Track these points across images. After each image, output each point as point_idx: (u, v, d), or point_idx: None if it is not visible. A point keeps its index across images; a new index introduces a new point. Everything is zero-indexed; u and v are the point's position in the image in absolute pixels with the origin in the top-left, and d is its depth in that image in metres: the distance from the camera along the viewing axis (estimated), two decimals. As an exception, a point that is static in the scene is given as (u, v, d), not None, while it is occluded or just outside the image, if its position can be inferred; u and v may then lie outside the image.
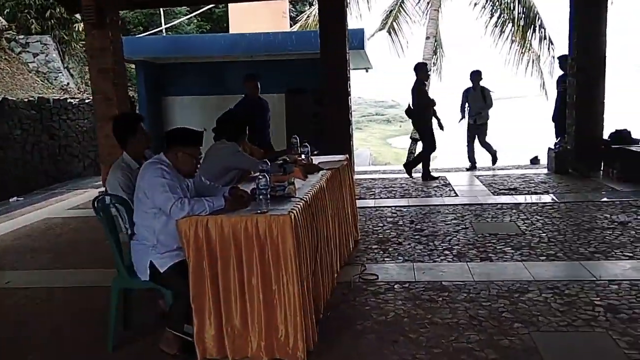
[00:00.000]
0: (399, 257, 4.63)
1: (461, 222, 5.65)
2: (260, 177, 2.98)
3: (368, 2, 14.43)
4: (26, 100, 9.77)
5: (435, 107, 8.33)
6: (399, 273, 4.27)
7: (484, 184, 7.69)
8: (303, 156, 4.46)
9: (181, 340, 3.03)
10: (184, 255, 2.95)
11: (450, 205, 6.47)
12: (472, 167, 9.22)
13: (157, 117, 11.96)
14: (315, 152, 5.20)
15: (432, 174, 8.26)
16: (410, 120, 9.00)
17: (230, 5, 13.81)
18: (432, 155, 8.46)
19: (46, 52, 13.23)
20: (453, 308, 3.51)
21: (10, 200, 8.68)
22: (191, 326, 2.96)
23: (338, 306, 3.66)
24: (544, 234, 5.06)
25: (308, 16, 14.46)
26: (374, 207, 6.63)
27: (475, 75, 9.18)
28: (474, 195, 6.96)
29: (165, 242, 3.04)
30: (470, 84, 9.30)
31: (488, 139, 9.41)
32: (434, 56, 14.86)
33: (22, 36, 12.99)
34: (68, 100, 10.89)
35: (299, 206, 3.08)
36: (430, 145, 8.28)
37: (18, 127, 9.40)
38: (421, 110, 8.20)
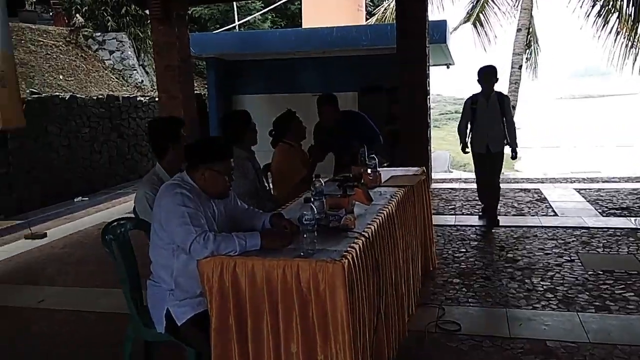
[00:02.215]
0: (488, 299, 3.72)
1: (564, 252, 4.62)
2: (305, 207, 2.23)
3: (452, -8, 13.30)
4: (95, 98, 9.66)
5: None
6: (489, 322, 3.38)
7: (587, 201, 6.51)
8: (369, 170, 3.65)
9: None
10: (207, 305, 2.28)
11: (548, 227, 5.40)
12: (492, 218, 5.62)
13: (227, 116, 11.59)
14: (386, 164, 4.40)
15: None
16: None
17: (304, 0, 13.21)
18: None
19: (122, 49, 13.29)
20: (565, 386, 2.60)
21: (75, 200, 8.56)
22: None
23: (407, 369, 2.86)
24: (678, 275, 3.96)
25: (385, 9, 13.56)
26: (454, 225, 5.70)
27: (487, 75, 5.38)
28: (578, 216, 5.82)
29: (185, 286, 2.38)
30: (473, 90, 5.71)
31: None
32: (527, 50, 13.44)
33: (99, 33, 13.10)
34: (138, 99, 10.74)
35: (357, 246, 2.31)
36: None
37: (87, 125, 9.30)
38: None
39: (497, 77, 5.42)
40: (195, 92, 12.37)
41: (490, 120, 5.38)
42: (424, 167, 4.44)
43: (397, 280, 3.00)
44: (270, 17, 16.89)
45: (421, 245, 3.97)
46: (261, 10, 16.13)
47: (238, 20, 14.79)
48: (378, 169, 3.74)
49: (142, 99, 10.82)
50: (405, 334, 3.13)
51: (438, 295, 3.82)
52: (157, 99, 11.02)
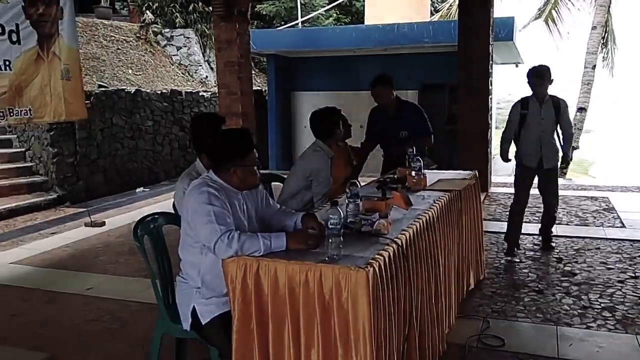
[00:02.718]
0: (538, 314, 3.48)
1: (628, 268, 4.26)
2: (332, 210, 2.14)
3: (523, -13, 12.72)
4: (159, 92, 9.98)
5: None
6: (536, 340, 3.15)
7: (661, 213, 6.00)
8: (414, 173, 3.49)
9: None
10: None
11: (613, 240, 5.02)
12: (511, 251, 4.78)
13: (286, 113, 11.67)
14: (434, 167, 4.22)
15: None
16: None
17: (368, -4, 13.05)
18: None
19: (188, 45, 13.66)
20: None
21: (137, 190, 8.88)
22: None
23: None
24: None
25: (451, 5, 13.15)
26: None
27: (538, 76, 4.48)
28: (648, 229, 5.38)
29: (212, 284, 2.36)
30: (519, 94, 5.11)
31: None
32: (604, 49, 12.62)
33: (167, 30, 13.53)
34: (200, 94, 11.00)
35: (386, 253, 2.20)
36: None
37: (150, 118, 9.63)
38: None
39: (552, 78, 4.53)
40: (257, 88, 12.56)
41: (543, 129, 4.51)
42: (477, 171, 4.22)
43: (435, 291, 2.84)
44: (334, 13, 16.82)
45: (469, 254, 3.78)
46: (325, 7, 16.09)
47: (301, 17, 14.82)
48: (424, 171, 3.58)
49: (204, 94, 11.07)
50: (443, 347, 2.97)
51: (484, 307, 3.62)
52: (217, 94, 11.31)
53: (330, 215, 2.12)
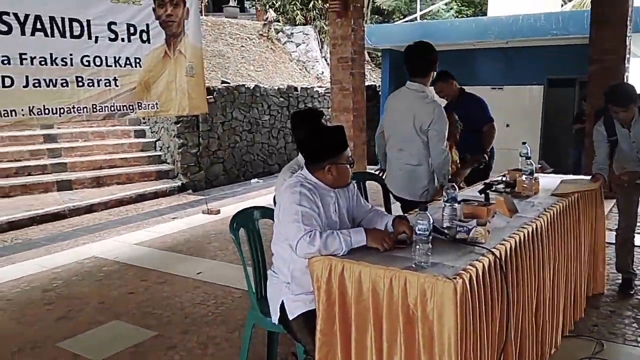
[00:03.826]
0: (664, 342, 3.07)
1: None
2: (421, 215, 2.04)
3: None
4: (276, 87, 10.34)
5: None
6: (658, 372, 2.79)
7: None
8: (524, 177, 3.24)
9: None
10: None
11: None
12: (627, 284, 3.87)
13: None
14: (550, 170, 3.89)
15: None
16: None
17: (492, -14, 12.39)
18: None
19: (307, 41, 13.99)
20: None
21: (252, 181, 9.31)
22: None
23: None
24: None
25: (586, -7, 12.04)
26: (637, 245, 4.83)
27: (625, 98, 3.46)
28: None
29: (300, 281, 2.37)
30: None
31: None
32: None
33: (288, 27, 13.97)
34: (315, 89, 11.21)
35: (480, 264, 2.05)
36: None
37: (267, 113, 10.01)
38: None
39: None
40: (372, 83, 12.52)
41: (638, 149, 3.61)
42: (604, 176, 3.77)
43: (538, 307, 2.61)
44: (455, 6, 16.23)
45: (586, 267, 3.44)
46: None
47: (420, 10, 14.48)
48: (536, 175, 3.31)
49: (318, 89, 11.27)
50: (546, 366, 2.73)
51: (599, 328, 3.27)
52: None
53: (419, 220, 2.02)
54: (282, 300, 2.42)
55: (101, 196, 7.50)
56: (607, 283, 3.89)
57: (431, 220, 2.03)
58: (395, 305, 1.99)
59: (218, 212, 6.77)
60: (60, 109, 4.74)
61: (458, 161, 3.87)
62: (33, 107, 4.53)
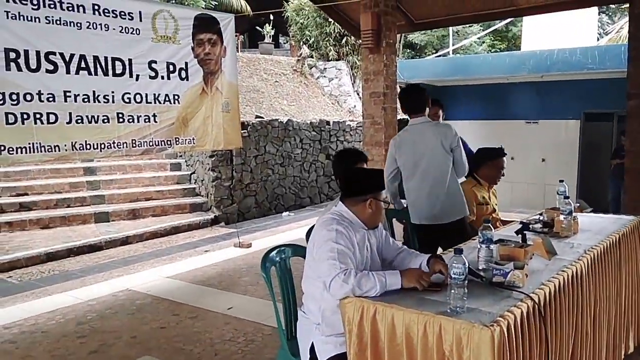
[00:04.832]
0: None
1: None
2: (456, 258, 2.00)
3: None
4: (308, 122, 10.46)
5: None
6: None
7: None
8: (562, 217, 3.14)
9: None
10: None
11: None
12: None
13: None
14: (589, 210, 3.77)
15: None
16: None
17: (525, 21, 12.36)
18: None
19: (339, 76, 14.18)
20: None
21: (283, 214, 9.34)
22: None
23: None
24: None
25: (621, 27, 11.87)
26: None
27: None
28: None
29: (331, 321, 2.34)
30: None
31: None
32: None
33: (321, 62, 14.21)
34: (347, 123, 11.29)
35: (519, 310, 1.98)
36: None
37: (299, 146, 10.11)
38: None
39: None
40: (403, 117, 12.54)
41: None
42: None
43: (580, 354, 2.50)
44: (488, 40, 16.24)
45: (630, 313, 3.28)
46: (478, 33, 15.61)
47: (453, 45, 14.55)
48: (575, 214, 3.21)
49: (350, 123, 11.35)
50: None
51: (647, 379, 3.10)
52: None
53: (454, 264, 1.98)
54: (312, 342, 2.39)
55: (136, 228, 7.64)
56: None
57: (467, 264, 1.99)
58: (430, 351, 1.93)
59: (250, 245, 6.80)
60: (101, 144, 4.90)
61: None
62: (75, 142, 4.71)
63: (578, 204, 3.67)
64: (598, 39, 12.06)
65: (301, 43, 14.59)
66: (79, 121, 4.74)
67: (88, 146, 4.83)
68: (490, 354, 1.80)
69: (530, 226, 3.23)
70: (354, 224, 2.39)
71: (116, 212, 8.08)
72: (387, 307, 2.06)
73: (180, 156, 9.70)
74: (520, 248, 2.62)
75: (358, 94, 14.33)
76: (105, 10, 4.87)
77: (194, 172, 9.40)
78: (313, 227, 3.03)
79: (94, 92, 4.84)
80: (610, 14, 16.14)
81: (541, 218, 3.39)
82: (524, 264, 2.35)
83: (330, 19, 13.41)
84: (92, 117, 4.84)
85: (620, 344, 3.14)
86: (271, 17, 15.83)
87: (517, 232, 2.93)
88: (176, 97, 5.60)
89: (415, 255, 2.49)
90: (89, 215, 7.81)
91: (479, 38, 15.64)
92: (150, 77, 5.33)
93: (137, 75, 5.20)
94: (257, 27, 16.79)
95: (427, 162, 3.62)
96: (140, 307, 4.63)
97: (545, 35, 11.00)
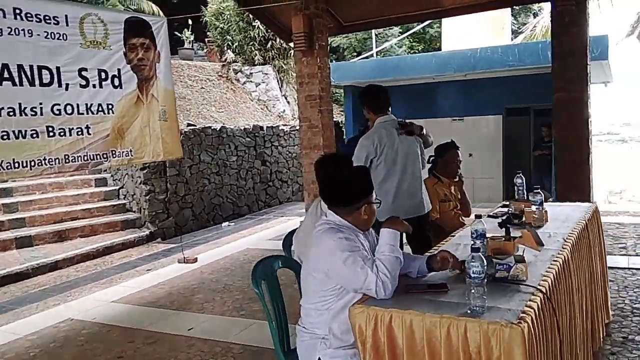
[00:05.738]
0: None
1: None
2: (474, 257, 1.94)
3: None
4: (242, 128, 10.20)
5: None
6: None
7: None
8: (534, 207, 3.21)
9: None
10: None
11: None
12: None
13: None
14: (551, 199, 3.91)
15: None
16: None
17: (444, 23, 12.85)
18: None
19: (267, 81, 13.99)
20: None
21: (223, 225, 9.02)
22: None
23: None
24: None
25: (534, 26, 12.67)
26: (629, 269, 4.92)
27: None
28: None
29: (339, 333, 2.21)
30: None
31: None
32: None
33: (246, 67, 13.95)
34: (280, 127, 11.15)
35: (534, 305, 1.96)
36: None
37: (234, 154, 9.82)
38: None
39: None
40: (335, 119, 12.57)
41: None
42: (596, 202, 3.86)
43: (575, 341, 2.54)
44: (407, 42, 16.72)
45: (596, 295, 3.41)
46: (399, 36, 16.04)
47: (376, 48, 14.83)
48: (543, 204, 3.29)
49: (283, 127, 11.22)
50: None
51: (617, 357, 3.23)
52: (297, 128, 11.42)
53: (472, 263, 1.92)
54: (319, 358, 2.24)
55: (65, 251, 7.04)
56: (610, 308, 3.89)
57: (485, 262, 1.93)
58: (456, 354, 1.86)
59: (196, 260, 6.46)
60: (30, 161, 4.43)
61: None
62: (2, 161, 4.21)
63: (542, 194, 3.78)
64: (512, 39, 12.78)
65: (224, 48, 14.24)
66: (5, 137, 4.25)
67: (16, 164, 4.33)
68: (522, 351, 1.75)
69: (500, 219, 3.27)
70: (350, 229, 2.28)
71: (40, 235, 7.40)
72: (404, 313, 1.96)
73: (105, 171, 9.09)
74: (508, 241, 2.62)
75: (286, 98, 14.24)
76: (28, 15, 4.42)
77: (122, 187, 8.84)
78: (291, 235, 2.92)
79: (19, 104, 4.36)
80: (514, 14, 17.15)
81: (510, 210, 3.45)
82: (523, 257, 2.35)
83: (254, 23, 13.23)
84: (19, 132, 4.36)
85: (596, 326, 3.24)
86: (189, 22, 15.33)
87: (500, 225, 2.94)
88: (110, 106, 5.20)
89: (414, 258, 2.43)
90: (9, 241, 7.08)
91: (399, 40, 16.05)
92: (81, 86, 4.90)
93: (67, 84, 4.76)
94: (176, 33, 16.20)
95: (405, 157, 3.79)
96: (88, 337, 4.22)
97: (464, 35, 11.47)
